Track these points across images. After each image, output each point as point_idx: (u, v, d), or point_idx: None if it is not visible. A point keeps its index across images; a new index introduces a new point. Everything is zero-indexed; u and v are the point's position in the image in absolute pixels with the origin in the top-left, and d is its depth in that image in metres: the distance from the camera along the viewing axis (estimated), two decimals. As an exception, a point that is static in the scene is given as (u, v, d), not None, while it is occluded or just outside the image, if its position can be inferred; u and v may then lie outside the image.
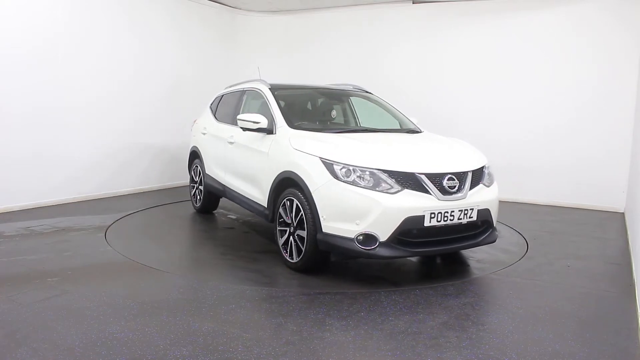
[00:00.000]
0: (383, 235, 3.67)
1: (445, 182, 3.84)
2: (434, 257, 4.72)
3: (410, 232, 3.76)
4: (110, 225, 5.61)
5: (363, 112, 5.82)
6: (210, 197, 6.28)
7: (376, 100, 5.57)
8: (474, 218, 3.96)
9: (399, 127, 5.23)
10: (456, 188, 3.89)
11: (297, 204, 4.07)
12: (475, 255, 4.77)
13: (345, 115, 5.70)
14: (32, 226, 5.45)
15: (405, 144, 4.50)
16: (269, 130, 4.69)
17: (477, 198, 4.01)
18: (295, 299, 3.55)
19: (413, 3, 8.30)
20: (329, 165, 3.86)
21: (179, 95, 8.38)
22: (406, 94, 8.19)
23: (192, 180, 6.70)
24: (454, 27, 8.07)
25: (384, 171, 3.77)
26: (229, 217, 6.37)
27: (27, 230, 5.31)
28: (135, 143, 7.72)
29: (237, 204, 5.47)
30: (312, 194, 3.92)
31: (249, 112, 5.30)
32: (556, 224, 6.31)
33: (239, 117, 4.81)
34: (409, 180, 3.78)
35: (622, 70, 6.97)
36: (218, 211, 6.61)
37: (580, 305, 3.61)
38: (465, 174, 4.00)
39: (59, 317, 3.16)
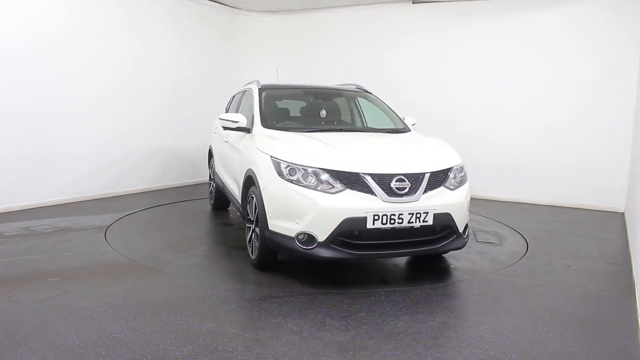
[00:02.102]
0: (321, 236, 3.61)
1: (393, 184, 3.69)
2: (431, 258, 4.65)
3: (352, 233, 3.66)
4: (110, 225, 5.61)
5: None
6: (219, 194, 6.36)
7: (373, 100, 5.57)
8: (430, 222, 3.75)
9: (385, 127, 5.15)
10: (406, 190, 3.71)
11: (255, 202, 4.11)
12: (475, 256, 4.77)
13: (352, 114, 5.69)
14: (32, 226, 5.45)
15: (370, 143, 4.41)
16: (248, 130, 4.77)
17: (435, 201, 3.79)
18: (295, 299, 3.55)
19: (413, 3, 8.31)
20: (276, 164, 3.88)
21: (179, 95, 8.37)
22: (406, 93, 8.21)
23: (209, 177, 6.92)
24: (454, 27, 8.07)
25: (327, 170, 3.71)
26: (237, 214, 6.39)
27: (27, 230, 5.30)
28: (135, 143, 7.72)
29: (230, 201, 5.54)
30: (261, 192, 3.96)
31: (246, 111, 5.34)
32: (556, 224, 6.31)
33: (220, 116, 4.91)
34: (353, 181, 3.68)
35: (622, 71, 6.97)
36: (232, 207, 6.66)
37: (580, 305, 3.61)
38: (419, 175, 3.80)
39: (59, 317, 3.16)
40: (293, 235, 3.69)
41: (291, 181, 3.74)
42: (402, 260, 4.62)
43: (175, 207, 6.91)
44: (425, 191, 3.79)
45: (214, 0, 8.91)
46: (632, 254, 4.74)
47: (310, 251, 3.66)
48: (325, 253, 3.64)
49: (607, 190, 7.13)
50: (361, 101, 5.68)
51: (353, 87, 5.80)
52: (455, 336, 3.03)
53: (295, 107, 5.56)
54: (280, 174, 3.81)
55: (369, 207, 3.62)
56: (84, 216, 6.03)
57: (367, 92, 5.67)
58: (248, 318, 3.26)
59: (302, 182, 3.71)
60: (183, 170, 8.60)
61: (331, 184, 3.67)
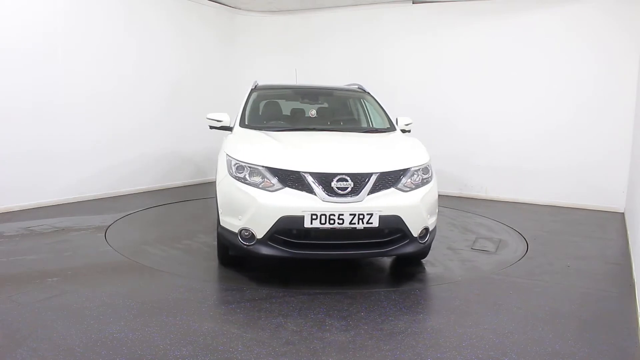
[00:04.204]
0: (260, 233, 3.66)
1: (334, 183, 3.61)
2: (414, 262, 4.53)
3: (291, 232, 3.66)
4: (110, 225, 5.61)
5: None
6: None
7: (368, 99, 5.55)
8: (374, 224, 3.62)
9: (369, 127, 5.13)
10: (348, 190, 3.62)
11: None
12: (474, 256, 4.77)
13: (358, 114, 5.67)
14: (32, 226, 5.45)
15: (332, 143, 4.34)
16: (231, 129, 4.83)
17: (382, 203, 3.64)
18: (295, 299, 3.55)
19: (413, 3, 8.31)
20: (229, 162, 3.96)
21: (179, 95, 8.37)
22: (406, 93, 8.21)
23: None
24: (454, 27, 8.07)
25: (269, 169, 3.74)
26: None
27: (27, 230, 5.30)
28: (135, 143, 7.71)
29: None
30: (216, 188, 4.08)
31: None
32: (556, 224, 6.31)
33: (207, 115, 4.97)
34: (293, 179, 3.68)
35: (622, 71, 6.97)
36: None
37: (580, 305, 3.61)
38: (365, 175, 3.68)
39: (59, 317, 3.16)
40: (236, 231, 3.77)
41: (238, 178, 3.81)
42: (401, 262, 4.61)
43: (177, 207, 6.90)
44: (371, 192, 3.67)
45: (214, 0, 8.91)
46: (632, 254, 4.74)
47: (249, 247, 3.73)
48: (264, 250, 3.70)
49: (607, 190, 7.13)
50: (356, 101, 5.66)
51: (355, 87, 5.78)
52: (455, 336, 3.03)
53: (285, 107, 5.60)
54: (230, 171, 3.89)
55: (307, 206, 3.59)
56: (84, 216, 6.03)
57: (364, 91, 5.65)
58: (248, 318, 3.26)
59: (247, 180, 3.77)
60: (184, 170, 8.60)
61: (271, 182, 3.70)
